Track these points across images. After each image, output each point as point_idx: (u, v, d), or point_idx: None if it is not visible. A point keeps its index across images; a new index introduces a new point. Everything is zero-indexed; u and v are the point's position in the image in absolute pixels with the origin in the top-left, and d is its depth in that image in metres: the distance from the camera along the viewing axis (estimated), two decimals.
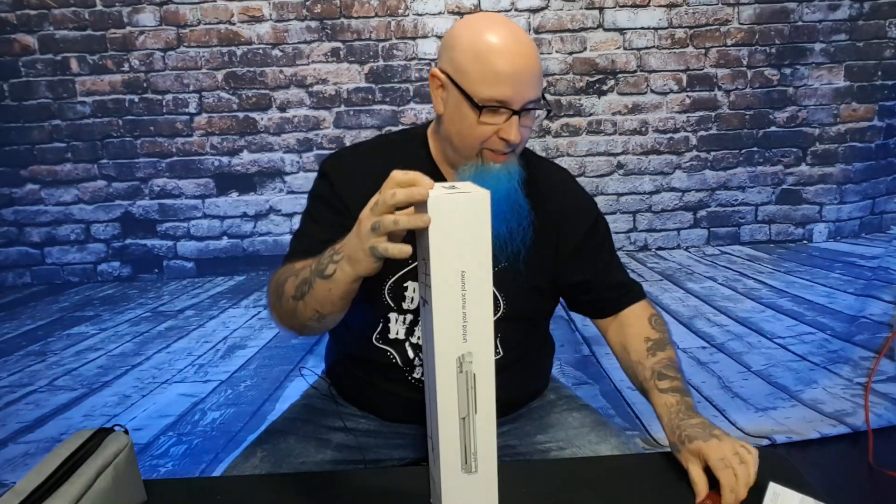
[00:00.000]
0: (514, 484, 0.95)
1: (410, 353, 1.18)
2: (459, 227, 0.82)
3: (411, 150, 1.21)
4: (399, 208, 0.83)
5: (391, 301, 1.16)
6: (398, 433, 1.26)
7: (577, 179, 1.30)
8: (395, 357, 1.18)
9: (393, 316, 1.17)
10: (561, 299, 1.29)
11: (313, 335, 1.18)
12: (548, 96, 2.13)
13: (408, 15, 2.10)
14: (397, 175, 0.83)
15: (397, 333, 1.17)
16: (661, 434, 2.13)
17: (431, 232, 0.81)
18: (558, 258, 1.20)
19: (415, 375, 1.19)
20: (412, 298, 1.15)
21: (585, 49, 2.15)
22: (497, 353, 1.12)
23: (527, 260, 1.13)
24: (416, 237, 0.87)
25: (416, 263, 1.15)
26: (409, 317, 1.17)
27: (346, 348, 1.27)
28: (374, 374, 1.21)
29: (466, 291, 0.83)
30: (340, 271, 0.90)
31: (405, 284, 1.15)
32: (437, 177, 1.16)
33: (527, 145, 1.18)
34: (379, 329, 1.18)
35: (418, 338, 1.17)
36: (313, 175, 1.23)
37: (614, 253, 1.29)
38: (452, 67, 1.07)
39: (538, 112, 1.09)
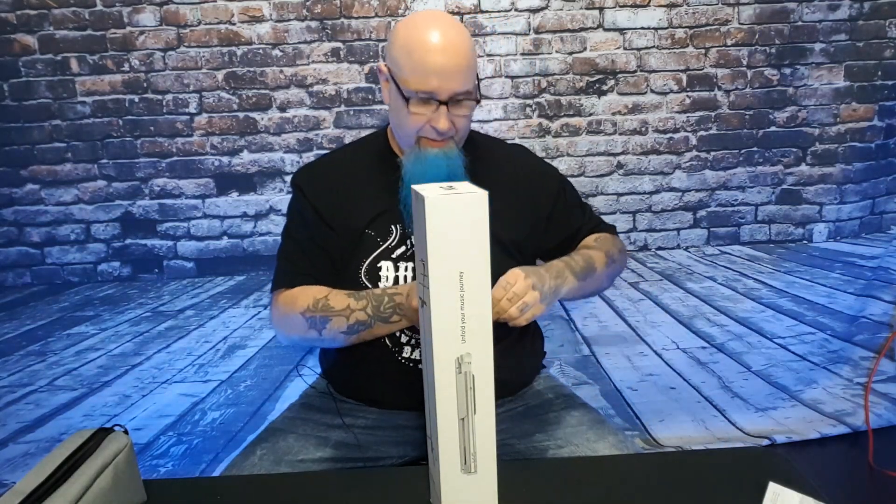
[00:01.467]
0: (514, 484, 0.95)
1: (397, 332, 1.20)
2: (457, 227, 0.82)
3: (373, 146, 1.31)
4: None
5: (368, 282, 1.21)
6: (396, 425, 1.26)
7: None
8: (383, 336, 1.20)
9: None
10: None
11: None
12: (547, 96, 2.13)
13: (407, 15, 2.10)
14: None
15: None
16: (661, 434, 2.13)
17: (429, 233, 0.81)
18: (535, 223, 1.30)
19: (404, 355, 1.21)
20: (387, 277, 1.20)
21: (585, 49, 2.15)
22: None
23: (499, 225, 1.18)
24: (414, 236, 0.87)
25: (387, 244, 1.19)
26: None
27: None
28: (365, 357, 1.23)
29: (465, 292, 0.84)
30: (406, 321, 1.13)
31: (379, 265, 1.21)
32: (394, 165, 1.22)
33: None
34: None
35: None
36: None
37: (585, 206, 1.41)
38: (391, 61, 1.17)
39: (471, 102, 1.18)
